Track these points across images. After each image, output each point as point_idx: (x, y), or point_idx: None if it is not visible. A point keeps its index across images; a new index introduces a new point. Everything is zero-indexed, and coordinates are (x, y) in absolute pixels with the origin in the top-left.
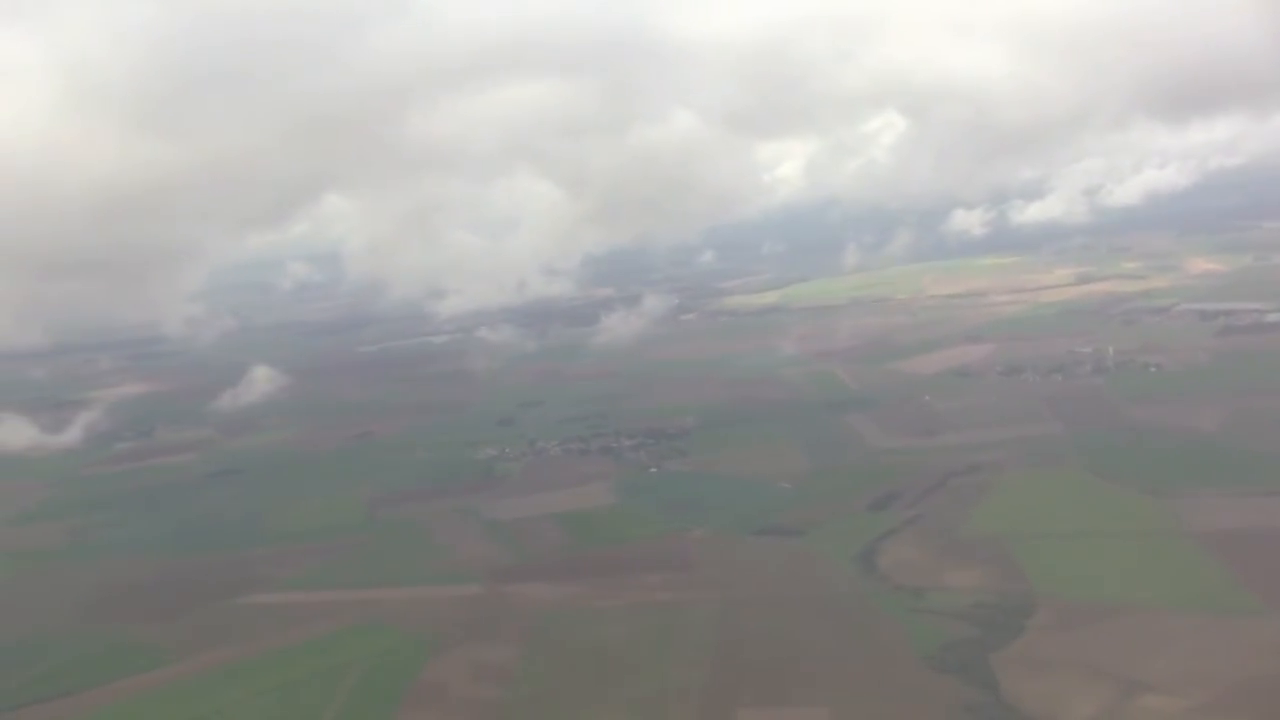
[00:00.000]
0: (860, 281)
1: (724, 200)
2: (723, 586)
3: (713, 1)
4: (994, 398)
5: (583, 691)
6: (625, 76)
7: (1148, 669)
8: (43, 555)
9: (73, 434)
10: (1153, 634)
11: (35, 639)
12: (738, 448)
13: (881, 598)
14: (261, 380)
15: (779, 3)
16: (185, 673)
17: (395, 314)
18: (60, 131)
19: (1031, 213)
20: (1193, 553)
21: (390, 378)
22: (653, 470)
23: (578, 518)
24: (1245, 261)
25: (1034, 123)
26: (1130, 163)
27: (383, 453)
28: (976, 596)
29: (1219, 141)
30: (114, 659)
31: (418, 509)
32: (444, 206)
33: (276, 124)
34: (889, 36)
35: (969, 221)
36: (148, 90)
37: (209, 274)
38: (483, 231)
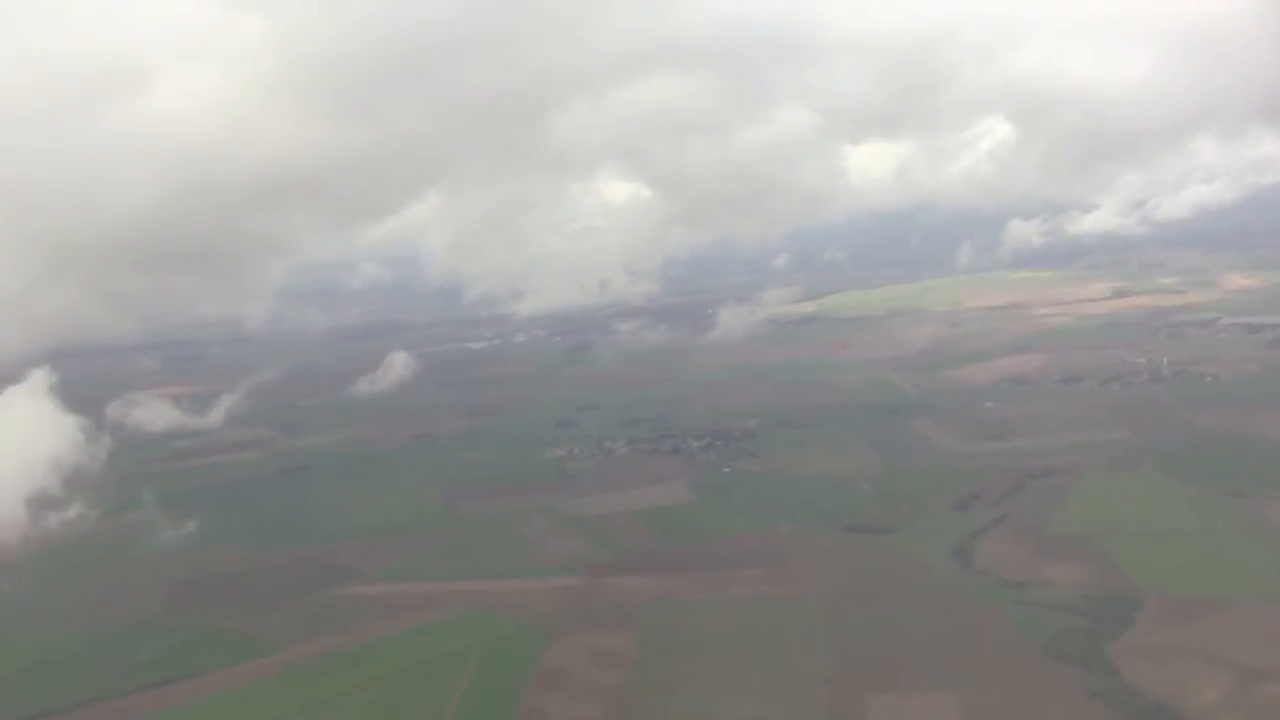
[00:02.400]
0: (892, 294)
1: (814, 202)
2: (823, 580)
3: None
4: (1055, 405)
5: (707, 678)
6: (760, 74)
7: (1264, 659)
8: (121, 549)
9: (126, 432)
10: (1262, 627)
11: (132, 629)
12: (807, 449)
13: (985, 591)
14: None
15: (935, 3)
16: (294, 659)
17: (450, 319)
18: (240, 114)
19: (1087, 224)
20: None
21: (442, 381)
22: (726, 470)
23: (660, 515)
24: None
25: (1152, 127)
26: (1173, 178)
27: (446, 452)
28: (1080, 590)
29: (1255, 159)
30: (217, 647)
31: (496, 505)
32: (537, 205)
33: (416, 118)
34: (1022, 40)
35: (1026, 231)
36: (325, 77)
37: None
38: (569, 231)
